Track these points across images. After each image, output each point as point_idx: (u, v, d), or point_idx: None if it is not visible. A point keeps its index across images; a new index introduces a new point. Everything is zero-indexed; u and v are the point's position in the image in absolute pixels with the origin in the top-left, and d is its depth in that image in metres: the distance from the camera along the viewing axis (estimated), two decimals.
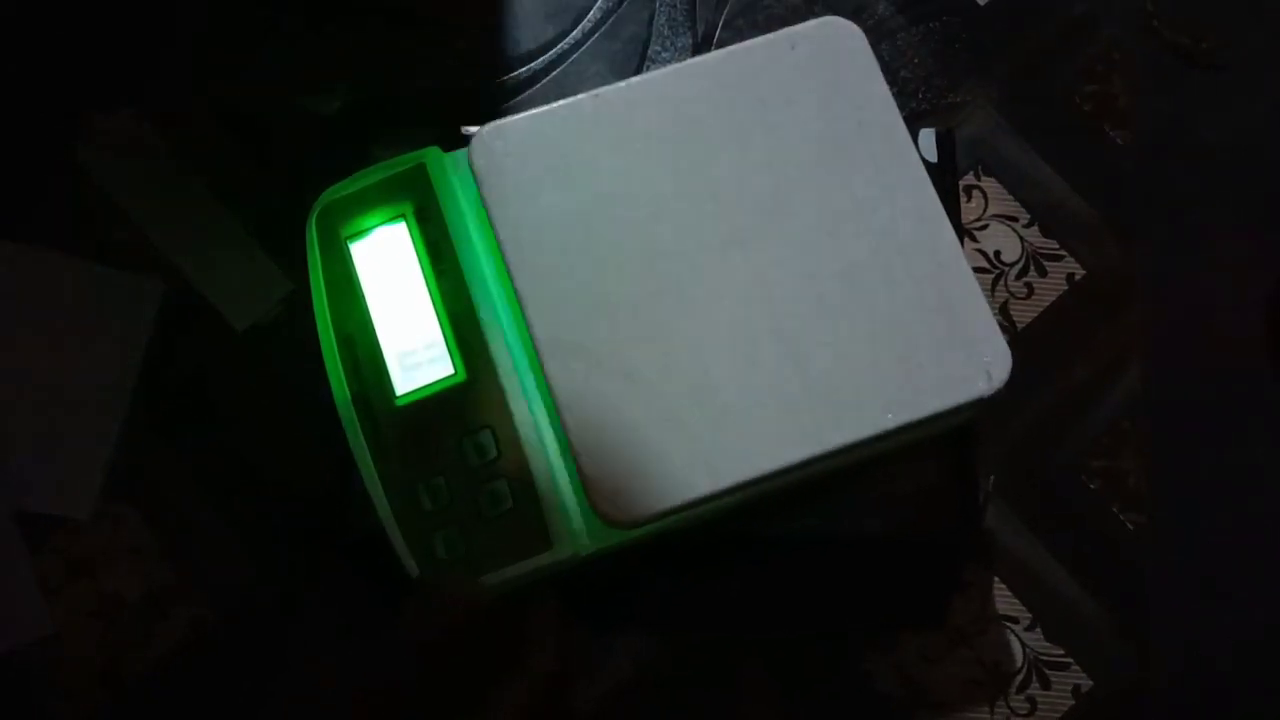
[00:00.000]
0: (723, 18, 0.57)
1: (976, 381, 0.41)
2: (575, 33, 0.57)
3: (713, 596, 0.49)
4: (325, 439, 0.49)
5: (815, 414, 0.40)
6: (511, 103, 0.56)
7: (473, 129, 0.45)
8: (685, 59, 0.56)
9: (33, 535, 0.49)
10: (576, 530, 0.40)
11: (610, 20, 0.57)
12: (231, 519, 0.50)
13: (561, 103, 0.46)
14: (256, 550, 0.49)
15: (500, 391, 0.42)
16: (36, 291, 0.52)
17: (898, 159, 0.44)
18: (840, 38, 0.46)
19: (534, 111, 0.45)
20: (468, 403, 0.41)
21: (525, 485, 0.41)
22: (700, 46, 0.57)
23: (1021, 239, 0.55)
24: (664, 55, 0.57)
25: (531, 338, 0.41)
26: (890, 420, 0.40)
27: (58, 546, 0.49)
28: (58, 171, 0.54)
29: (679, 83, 0.45)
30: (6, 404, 0.51)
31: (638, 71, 0.56)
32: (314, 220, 0.44)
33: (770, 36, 0.46)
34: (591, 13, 0.57)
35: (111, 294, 0.52)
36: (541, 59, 0.56)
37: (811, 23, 0.47)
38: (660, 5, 0.57)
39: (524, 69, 0.56)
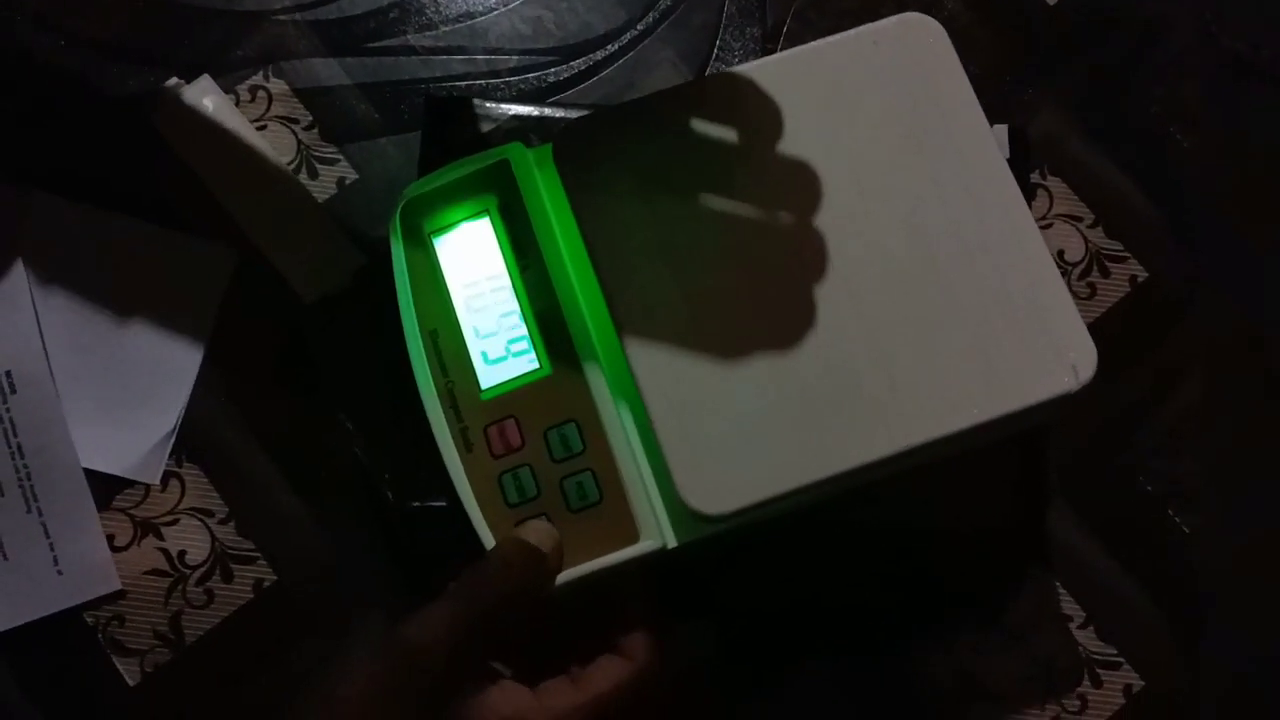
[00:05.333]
0: (793, 8, 0.57)
1: (1063, 377, 0.41)
2: (646, 19, 0.57)
3: (774, 581, 0.49)
4: (394, 410, 0.50)
5: (902, 409, 0.41)
6: (582, 86, 0.56)
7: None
8: (755, 48, 0.57)
9: (101, 494, 0.50)
10: (663, 523, 0.41)
11: (681, 7, 0.57)
12: (297, 484, 0.51)
13: (644, 98, 0.46)
14: (322, 516, 0.50)
15: (585, 385, 0.42)
16: (111, 256, 0.53)
17: (981, 156, 0.44)
18: (922, 34, 0.46)
19: (618, 107, 0.45)
20: (553, 396, 0.42)
21: (612, 478, 0.41)
22: (770, 35, 0.57)
23: (1085, 239, 0.55)
24: (734, 44, 0.57)
25: (617, 332, 0.42)
26: (977, 415, 0.40)
27: (125, 506, 0.50)
28: (135, 139, 0.54)
29: (762, 79, 0.45)
30: (79, 366, 0.51)
31: (707, 59, 0.57)
32: (398, 215, 0.44)
33: (852, 33, 0.46)
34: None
35: (184, 260, 0.53)
36: (612, 44, 0.57)
37: (893, 19, 0.47)
38: None
39: (595, 53, 0.56)
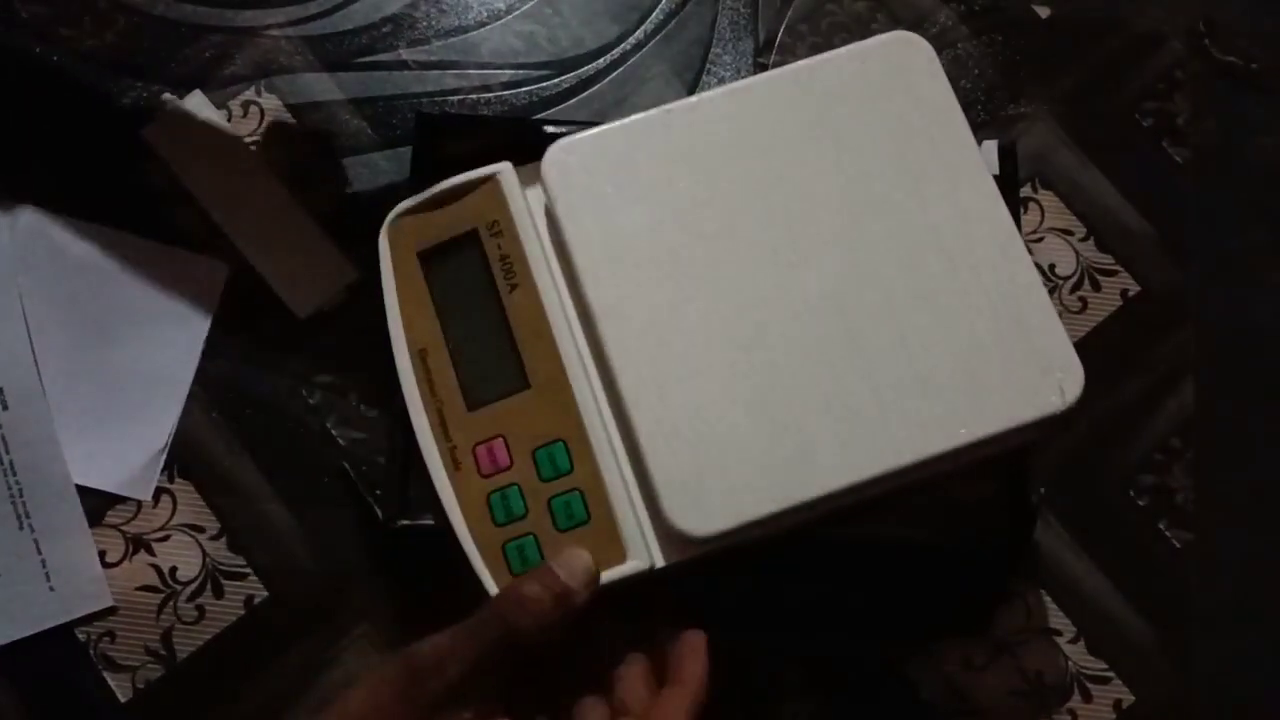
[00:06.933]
0: (784, 23, 0.57)
1: (1050, 397, 0.41)
2: (638, 33, 0.57)
3: (759, 598, 0.50)
4: (386, 426, 0.50)
5: (889, 429, 0.41)
6: (573, 101, 0.56)
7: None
8: (747, 63, 0.57)
9: (93, 510, 0.50)
10: (651, 543, 0.41)
11: (673, 22, 0.57)
12: (289, 500, 0.51)
13: (633, 118, 0.46)
14: (313, 532, 0.51)
15: (573, 404, 0.42)
16: (103, 270, 0.53)
17: (969, 175, 0.44)
18: (911, 52, 0.46)
19: (606, 126, 0.45)
20: (541, 416, 0.42)
21: (599, 498, 0.41)
22: (762, 50, 0.57)
23: (1077, 253, 0.55)
24: (725, 59, 0.57)
25: (604, 351, 0.42)
26: (964, 436, 0.41)
27: (117, 522, 0.50)
28: (127, 153, 0.54)
29: (749, 98, 0.46)
30: (71, 381, 0.51)
31: (699, 74, 0.57)
32: (386, 233, 0.44)
33: (841, 51, 0.47)
34: (655, 14, 0.57)
35: (177, 275, 0.53)
36: (604, 58, 0.57)
37: (882, 38, 0.47)
38: (723, 8, 0.57)
39: (587, 67, 0.57)
